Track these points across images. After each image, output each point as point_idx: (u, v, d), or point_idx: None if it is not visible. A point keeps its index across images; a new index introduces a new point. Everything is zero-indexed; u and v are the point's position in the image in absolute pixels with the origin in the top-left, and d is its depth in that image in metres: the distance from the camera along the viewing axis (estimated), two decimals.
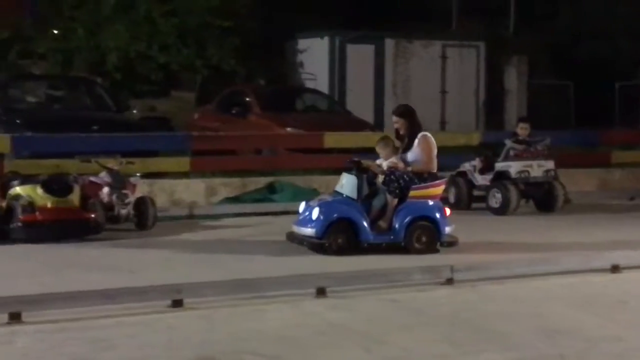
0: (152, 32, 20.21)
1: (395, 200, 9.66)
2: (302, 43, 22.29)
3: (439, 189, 9.98)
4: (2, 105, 15.00)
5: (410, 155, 9.87)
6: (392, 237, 9.58)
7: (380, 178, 9.81)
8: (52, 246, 9.95)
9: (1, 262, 9.20)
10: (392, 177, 9.68)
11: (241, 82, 20.43)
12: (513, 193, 12.72)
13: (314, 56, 21.94)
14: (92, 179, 11.26)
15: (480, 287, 8.26)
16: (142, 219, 11.18)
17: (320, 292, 7.78)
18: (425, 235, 9.63)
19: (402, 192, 9.65)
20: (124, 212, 11.04)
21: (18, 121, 14.13)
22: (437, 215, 9.69)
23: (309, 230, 9.58)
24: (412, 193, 9.68)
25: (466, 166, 13.47)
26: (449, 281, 8.29)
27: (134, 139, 13.46)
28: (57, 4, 20.86)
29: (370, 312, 7.41)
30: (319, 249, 9.53)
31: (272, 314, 7.27)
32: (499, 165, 13.03)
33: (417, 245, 9.60)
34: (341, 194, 9.75)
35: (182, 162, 13.72)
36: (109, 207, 10.96)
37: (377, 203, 9.72)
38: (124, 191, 11.12)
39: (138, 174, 11.86)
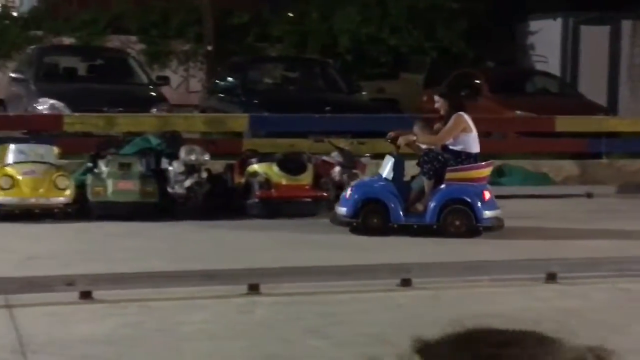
0: (383, 15, 20.40)
1: (432, 182, 9.50)
2: (534, 25, 21.75)
3: (480, 172, 9.66)
4: (241, 86, 15.63)
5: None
6: (424, 219, 9.43)
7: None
8: (286, 222, 10.27)
9: (240, 236, 9.59)
10: (425, 158, 9.53)
11: (469, 65, 20.25)
12: None
13: (545, 38, 21.38)
14: (325, 158, 11.51)
15: None
16: None
17: (550, 277, 7.63)
18: (459, 219, 9.41)
19: (436, 173, 9.46)
20: None
21: (255, 101, 14.64)
22: (473, 198, 9.38)
23: (342, 210, 9.65)
24: (448, 175, 9.47)
25: None
26: None
27: (364, 120, 13.64)
28: None
29: (603, 301, 7.20)
30: (351, 228, 9.57)
31: (502, 297, 7.19)
32: None
33: (451, 228, 9.43)
34: (380, 176, 9.75)
35: None
36: (339, 186, 11.17)
37: (415, 185, 9.65)
38: (355, 170, 11.31)
39: (368, 155, 12.00)
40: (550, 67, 20.66)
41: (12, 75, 15.96)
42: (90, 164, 10.61)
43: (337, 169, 11.31)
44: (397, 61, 21.19)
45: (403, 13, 20.31)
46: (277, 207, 10.57)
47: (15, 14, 22.22)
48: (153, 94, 14.82)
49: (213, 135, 13.12)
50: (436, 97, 9.94)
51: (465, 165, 9.58)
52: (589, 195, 12.89)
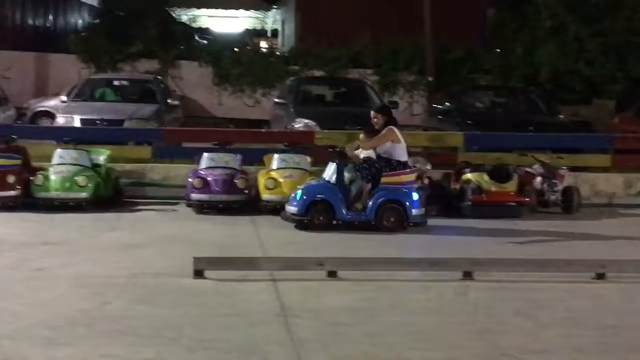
0: (580, 50, 19.58)
1: (369, 185, 9.25)
2: None
3: (408, 176, 9.38)
4: (457, 110, 15.49)
5: (380, 147, 9.36)
6: (364, 216, 9.10)
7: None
8: (494, 222, 10.06)
9: (456, 232, 9.49)
10: (365, 165, 9.29)
11: None
12: None
13: None
14: (528, 169, 11.22)
15: None
16: (568, 204, 10.89)
17: None
18: (393, 216, 9.10)
19: (373, 178, 9.22)
20: (553, 198, 10.89)
21: (469, 122, 14.46)
22: (405, 198, 9.11)
23: (293, 209, 9.27)
24: (383, 179, 9.21)
25: None
26: None
27: (563, 138, 13.13)
28: (501, 29, 21.08)
29: None
30: (301, 224, 9.17)
31: None
32: None
33: (385, 223, 9.12)
34: (325, 180, 9.40)
35: (604, 159, 13.10)
36: (540, 193, 10.88)
37: (354, 187, 9.33)
38: (554, 181, 10.95)
39: (565, 167, 11.56)
40: None
41: (276, 100, 16.59)
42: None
43: (538, 179, 11.01)
44: (591, 89, 20.27)
45: (598, 48, 19.40)
46: (487, 209, 10.38)
47: (278, 53, 23.19)
48: None
49: (432, 150, 13.08)
50: (373, 113, 9.66)
51: (399, 171, 9.31)
52: None
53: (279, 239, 8.65)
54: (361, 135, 9.69)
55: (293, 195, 9.48)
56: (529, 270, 7.14)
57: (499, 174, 10.69)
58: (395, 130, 9.47)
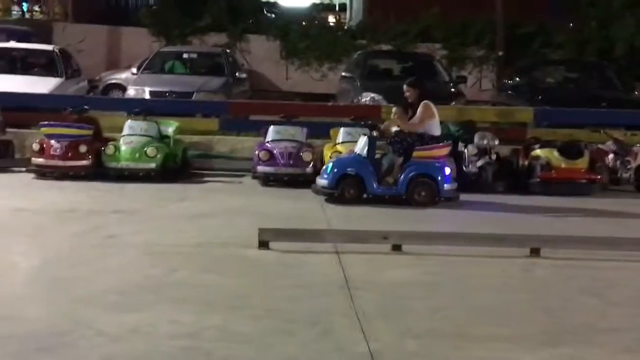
0: None
1: (400, 159, 9.20)
2: None
3: (441, 151, 9.26)
4: (527, 85, 15.20)
5: (413, 121, 9.32)
6: (395, 190, 9.06)
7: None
8: (563, 199, 9.88)
9: (523, 209, 9.29)
10: (396, 139, 9.25)
11: None
12: None
13: None
14: (600, 146, 10.98)
15: None
16: None
17: None
18: (424, 190, 9.04)
19: (405, 152, 9.19)
20: (625, 176, 10.66)
21: (539, 97, 14.18)
22: (437, 173, 9.03)
23: (323, 182, 9.22)
24: (415, 154, 9.16)
25: None
26: None
27: (637, 114, 12.73)
28: (573, 2, 20.53)
29: None
30: (331, 198, 9.10)
31: None
32: None
33: (417, 198, 9.06)
34: (356, 153, 9.29)
35: None
36: (612, 171, 10.64)
37: (385, 161, 9.25)
38: (627, 158, 10.70)
39: (639, 145, 11.24)
40: None
41: (343, 74, 16.55)
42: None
43: (611, 156, 10.78)
44: None
45: None
46: (556, 186, 10.20)
47: (345, 27, 23.08)
48: (453, 90, 14.77)
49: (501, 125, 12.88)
50: (405, 87, 9.56)
51: (429, 145, 9.21)
52: None
53: (343, 212, 8.67)
54: (394, 109, 9.63)
55: (324, 168, 9.46)
56: (598, 249, 6.99)
57: (570, 150, 10.47)
58: (431, 104, 9.41)
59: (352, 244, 6.88)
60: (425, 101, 9.41)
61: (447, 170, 9.27)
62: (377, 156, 9.33)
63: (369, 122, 10.07)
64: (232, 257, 6.61)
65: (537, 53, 19.84)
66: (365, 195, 9.15)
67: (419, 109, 9.36)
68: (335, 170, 9.22)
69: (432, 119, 9.37)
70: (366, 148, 9.25)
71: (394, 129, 9.42)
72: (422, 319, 5.23)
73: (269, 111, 12.78)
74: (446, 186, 9.20)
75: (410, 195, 9.10)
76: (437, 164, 9.21)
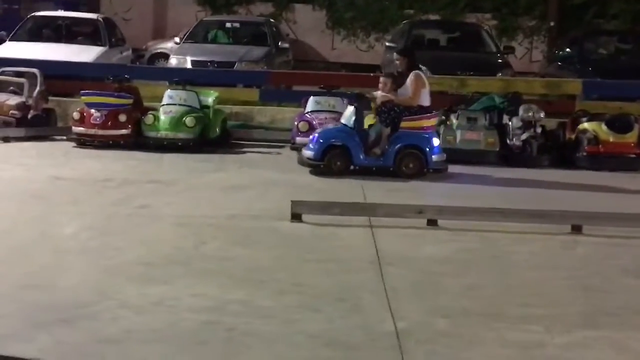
0: None
1: (388, 130, 8.88)
2: None
3: (429, 121, 8.98)
4: (577, 56, 14.77)
5: (401, 91, 8.95)
6: (382, 161, 8.76)
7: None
8: (611, 175, 9.56)
9: (568, 184, 9.02)
10: (384, 109, 8.88)
11: None
12: None
13: None
14: None
15: None
16: None
17: None
18: (412, 162, 8.78)
19: (393, 122, 8.87)
20: None
21: (590, 69, 13.76)
22: (425, 144, 8.77)
23: (309, 153, 8.91)
24: (403, 124, 8.85)
25: None
26: None
27: None
28: None
29: None
30: (316, 170, 8.83)
31: None
32: None
33: (404, 169, 8.81)
34: (343, 124, 8.98)
35: None
36: None
37: (372, 132, 8.94)
38: None
39: None
40: None
41: (388, 44, 16.25)
42: (443, 117, 10.53)
43: None
44: None
45: None
46: (603, 161, 9.88)
47: None
48: (500, 61, 14.39)
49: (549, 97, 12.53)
50: (396, 56, 9.34)
51: (417, 116, 8.89)
52: None
53: (380, 185, 8.49)
54: (382, 78, 9.29)
55: (310, 138, 9.19)
56: None
57: (619, 123, 10.13)
58: (422, 74, 9.09)
59: (386, 218, 6.71)
60: (415, 71, 9.06)
61: (436, 141, 9.04)
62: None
63: (356, 92, 9.81)
64: (264, 229, 6.50)
65: (590, 23, 19.27)
66: (352, 167, 8.91)
67: (409, 81, 9.00)
68: (321, 141, 8.93)
69: (423, 89, 9.04)
70: (353, 118, 8.97)
71: (381, 98, 9.01)
72: (454, 298, 5.05)
73: (308, 81, 12.61)
74: (434, 157, 8.95)
75: (398, 166, 8.87)
76: (425, 135, 8.94)
